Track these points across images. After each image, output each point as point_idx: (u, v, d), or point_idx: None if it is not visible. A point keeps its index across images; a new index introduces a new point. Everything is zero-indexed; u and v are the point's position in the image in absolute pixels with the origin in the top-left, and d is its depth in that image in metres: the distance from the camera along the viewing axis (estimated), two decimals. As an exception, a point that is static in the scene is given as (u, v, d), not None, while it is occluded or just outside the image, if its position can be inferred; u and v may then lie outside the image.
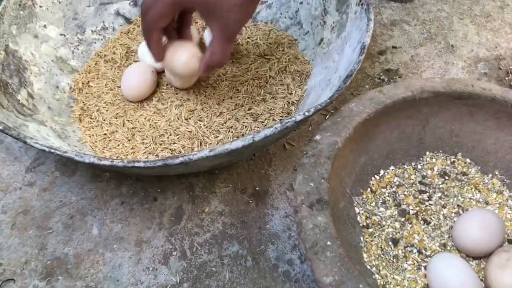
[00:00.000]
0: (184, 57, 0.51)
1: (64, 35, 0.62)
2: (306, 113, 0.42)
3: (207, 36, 0.61)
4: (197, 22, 0.67)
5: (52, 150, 0.42)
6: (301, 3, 0.63)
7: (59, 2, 0.62)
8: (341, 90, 0.43)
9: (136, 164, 0.41)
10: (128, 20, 0.67)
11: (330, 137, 0.42)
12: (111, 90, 0.59)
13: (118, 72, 0.61)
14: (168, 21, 0.47)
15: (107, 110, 0.57)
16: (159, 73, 0.59)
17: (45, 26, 0.61)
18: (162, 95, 0.58)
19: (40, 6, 0.60)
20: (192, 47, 0.52)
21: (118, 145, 0.54)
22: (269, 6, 0.65)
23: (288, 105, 0.56)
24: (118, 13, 0.66)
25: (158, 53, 0.50)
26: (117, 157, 0.53)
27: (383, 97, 0.46)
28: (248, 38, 0.64)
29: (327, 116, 0.59)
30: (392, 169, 0.48)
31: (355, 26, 0.52)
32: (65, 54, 0.62)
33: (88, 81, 0.61)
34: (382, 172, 0.48)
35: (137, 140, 0.54)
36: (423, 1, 0.76)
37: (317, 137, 0.43)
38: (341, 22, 0.57)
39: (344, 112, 0.45)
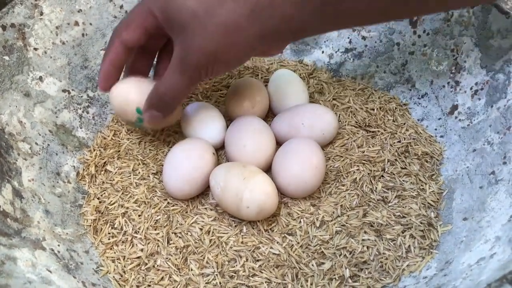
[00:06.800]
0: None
1: (69, 92, 0.42)
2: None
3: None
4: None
5: None
6: (411, 53, 0.44)
7: (63, 43, 0.42)
8: None
9: None
10: (159, 70, 0.47)
11: None
12: (143, 179, 0.38)
13: (151, 150, 0.40)
14: (135, 33, 0.33)
15: (139, 215, 0.36)
16: (217, 150, 0.39)
17: (41, 78, 0.40)
18: (223, 188, 0.37)
19: (35, 49, 0.40)
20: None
21: (163, 279, 0.33)
22: (357, 56, 0.47)
23: (425, 209, 0.36)
24: (145, 60, 0.46)
25: (105, 75, 0.36)
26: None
27: None
28: (335, 99, 0.44)
29: None
30: None
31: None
32: (69, 120, 0.41)
33: (105, 163, 0.40)
34: None
35: (192, 270, 0.33)
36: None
37: None
38: (494, 85, 0.38)
39: None
